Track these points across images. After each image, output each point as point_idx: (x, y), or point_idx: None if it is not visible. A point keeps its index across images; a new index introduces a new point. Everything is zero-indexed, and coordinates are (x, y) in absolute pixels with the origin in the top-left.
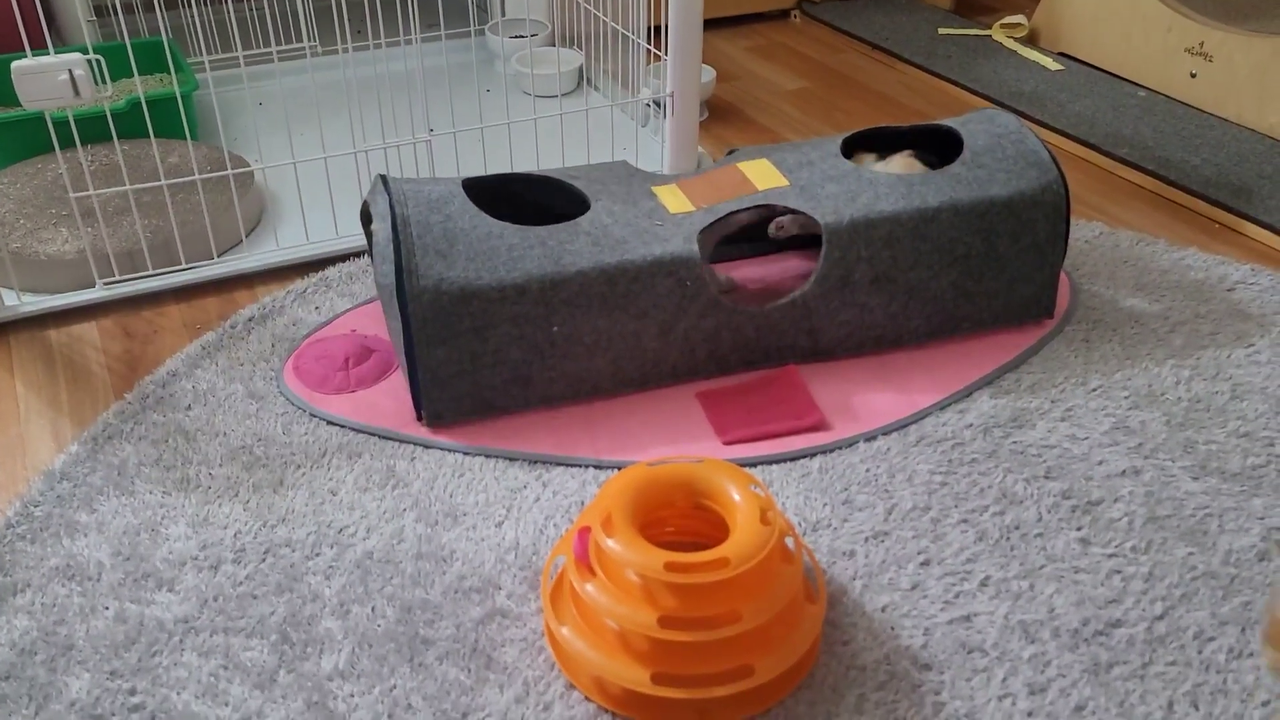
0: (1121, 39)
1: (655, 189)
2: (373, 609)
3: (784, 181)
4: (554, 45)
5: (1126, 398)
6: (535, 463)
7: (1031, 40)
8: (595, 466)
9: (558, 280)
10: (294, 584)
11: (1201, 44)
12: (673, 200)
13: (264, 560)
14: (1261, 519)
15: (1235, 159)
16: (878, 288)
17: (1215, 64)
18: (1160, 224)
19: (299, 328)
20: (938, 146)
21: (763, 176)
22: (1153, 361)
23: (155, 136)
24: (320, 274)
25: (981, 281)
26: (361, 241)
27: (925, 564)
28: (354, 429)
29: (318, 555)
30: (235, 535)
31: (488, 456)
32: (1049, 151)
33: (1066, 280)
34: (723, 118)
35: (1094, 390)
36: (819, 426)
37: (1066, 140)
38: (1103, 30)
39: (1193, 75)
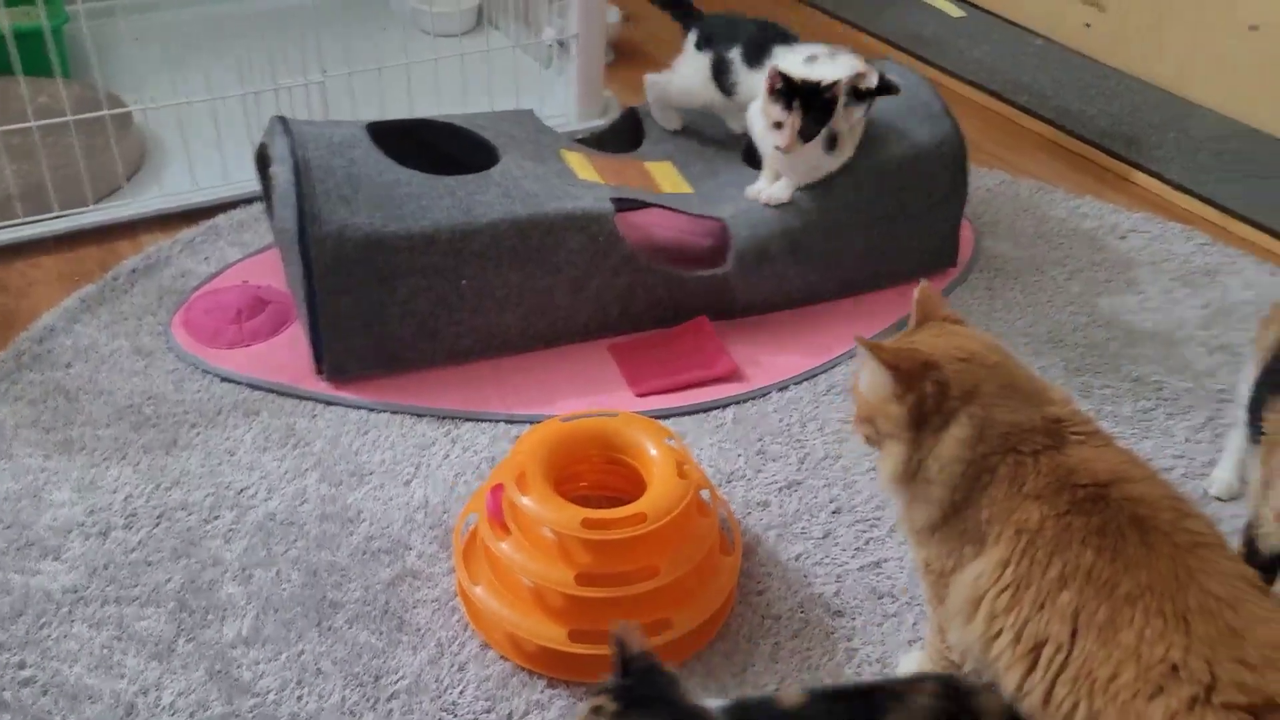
0: None
1: (564, 152)
2: (277, 573)
3: (688, 189)
4: None
5: (1028, 344)
6: (444, 418)
7: None
8: (506, 421)
9: (468, 231)
10: (191, 549)
11: None
12: (581, 168)
13: (158, 525)
14: (1150, 459)
15: (1128, 109)
16: (795, 259)
17: (1109, 14)
18: (1058, 173)
19: (188, 279)
20: None
21: (668, 179)
22: (1052, 308)
23: (23, 74)
24: (209, 222)
25: (891, 239)
26: (253, 187)
27: (836, 512)
28: (250, 385)
29: (216, 518)
30: (125, 499)
31: (394, 412)
32: (943, 103)
33: (969, 228)
34: (630, 60)
35: (998, 337)
36: (730, 375)
37: (967, 87)
38: None
39: (1087, 25)
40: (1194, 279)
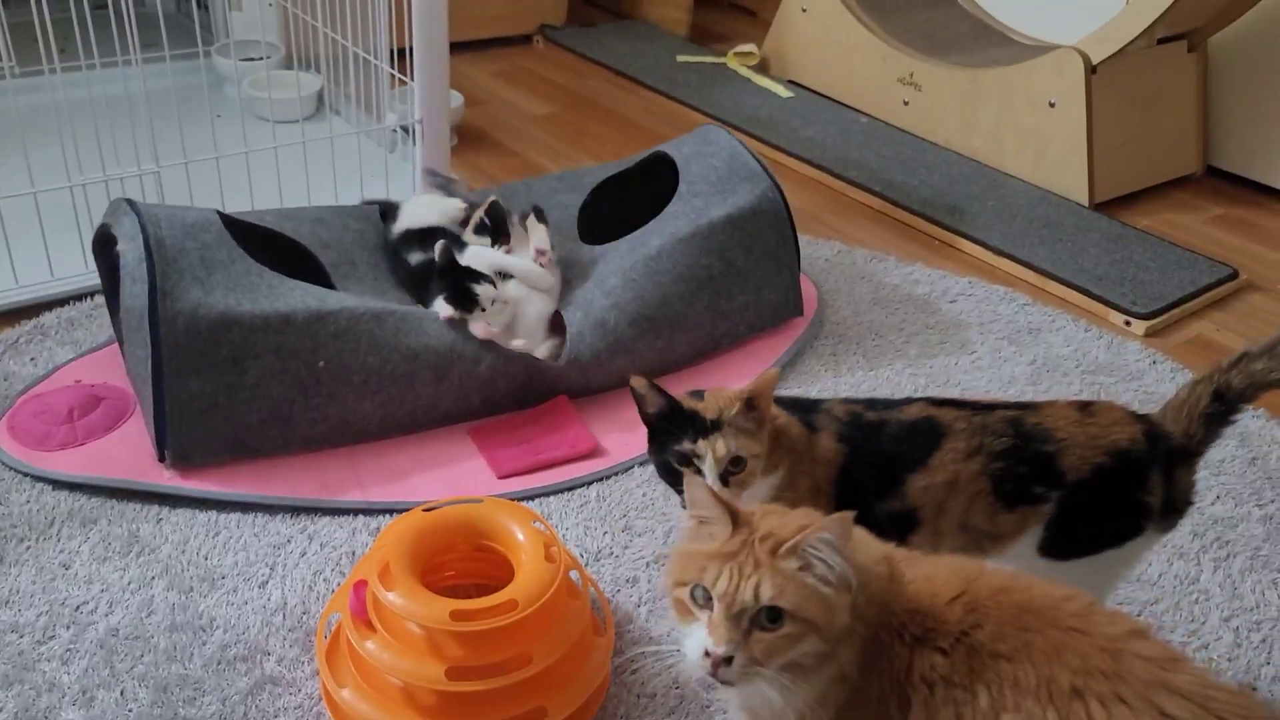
0: (843, 69)
1: None
2: (122, 692)
3: None
4: (290, 68)
5: None
6: (298, 512)
7: (763, 68)
8: (364, 512)
9: (325, 313)
10: (24, 674)
11: (911, 74)
12: None
13: None
14: None
15: (947, 180)
16: (639, 330)
17: (924, 93)
18: (889, 241)
19: (11, 383)
20: (665, 172)
21: None
22: (893, 371)
23: None
24: (34, 321)
25: (732, 297)
26: (84, 283)
27: None
28: (86, 487)
29: (52, 638)
30: None
31: (245, 510)
32: (760, 162)
33: (815, 294)
34: (473, 143)
35: (844, 402)
36: (592, 452)
37: (801, 164)
38: (826, 60)
39: (905, 103)
40: (1019, 338)
